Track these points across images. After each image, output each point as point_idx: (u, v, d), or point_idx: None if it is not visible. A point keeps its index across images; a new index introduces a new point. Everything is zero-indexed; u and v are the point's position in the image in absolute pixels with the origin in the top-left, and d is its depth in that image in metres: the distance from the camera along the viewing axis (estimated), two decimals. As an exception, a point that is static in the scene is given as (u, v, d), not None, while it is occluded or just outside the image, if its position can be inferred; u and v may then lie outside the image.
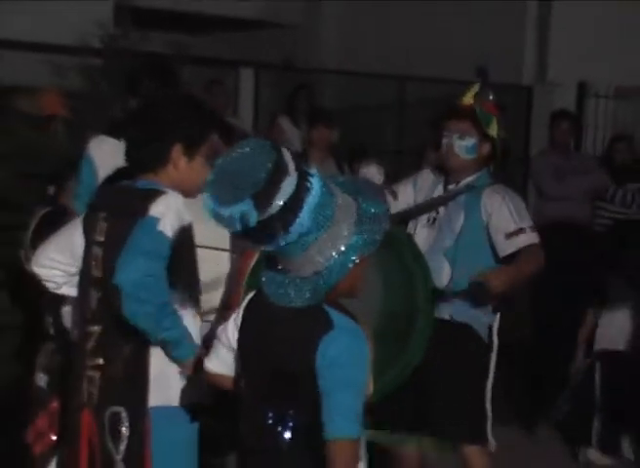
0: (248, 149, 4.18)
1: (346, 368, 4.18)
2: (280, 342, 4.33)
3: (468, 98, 7.42)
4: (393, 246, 6.40)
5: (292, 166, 4.10)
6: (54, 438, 5.69)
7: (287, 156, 4.13)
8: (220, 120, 5.92)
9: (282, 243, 4.14)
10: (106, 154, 6.64)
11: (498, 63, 17.14)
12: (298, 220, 4.09)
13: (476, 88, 7.46)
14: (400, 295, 6.31)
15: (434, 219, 7.33)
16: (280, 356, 4.32)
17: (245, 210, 4.03)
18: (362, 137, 13.06)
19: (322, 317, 4.24)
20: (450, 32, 18.32)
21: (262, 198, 4.02)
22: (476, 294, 6.88)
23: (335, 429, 4.15)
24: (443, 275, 7.07)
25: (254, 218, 4.03)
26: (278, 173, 4.05)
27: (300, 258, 4.20)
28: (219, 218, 4.14)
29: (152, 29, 16.97)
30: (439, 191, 7.48)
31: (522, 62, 18.57)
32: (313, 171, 4.21)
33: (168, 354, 5.19)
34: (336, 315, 4.26)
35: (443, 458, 7.85)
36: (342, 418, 4.16)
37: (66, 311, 5.88)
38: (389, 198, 7.30)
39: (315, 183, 4.15)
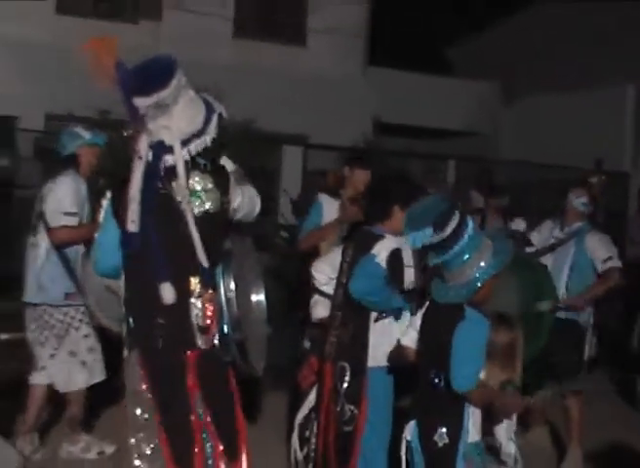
0: (431, 201, 4.38)
1: (467, 347, 4.21)
2: (439, 327, 4.37)
3: (585, 177, 7.68)
4: (534, 269, 6.51)
5: (457, 212, 4.23)
6: (312, 379, 5.72)
7: (455, 206, 4.28)
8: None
9: (447, 256, 4.23)
10: (333, 209, 6.86)
11: (608, 157, 16.95)
12: (457, 243, 4.20)
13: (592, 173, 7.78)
14: (534, 301, 6.25)
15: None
16: (437, 335, 4.35)
17: (427, 233, 4.19)
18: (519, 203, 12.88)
19: (460, 312, 4.26)
20: (576, 137, 18.10)
21: (438, 227, 4.17)
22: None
23: (456, 386, 4.19)
24: (561, 289, 7.07)
25: (431, 238, 4.18)
26: (448, 214, 4.20)
27: (457, 270, 4.25)
28: (410, 238, 4.29)
29: (394, 136, 17.15)
30: (557, 232, 7.53)
31: (622, 156, 18.24)
32: (469, 218, 4.30)
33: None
34: (469, 311, 4.27)
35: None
36: (460, 378, 4.19)
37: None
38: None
39: (469, 225, 4.25)
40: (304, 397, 5.82)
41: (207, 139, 4.29)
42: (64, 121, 15.17)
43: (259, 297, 4.81)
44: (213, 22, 17.51)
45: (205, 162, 4.35)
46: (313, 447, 5.54)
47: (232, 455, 4.29)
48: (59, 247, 6.46)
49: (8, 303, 7.77)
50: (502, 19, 21.98)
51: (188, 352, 4.25)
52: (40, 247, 6.54)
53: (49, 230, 6.45)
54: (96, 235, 4.62)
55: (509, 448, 4.40)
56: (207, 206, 4.26)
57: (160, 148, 4.23)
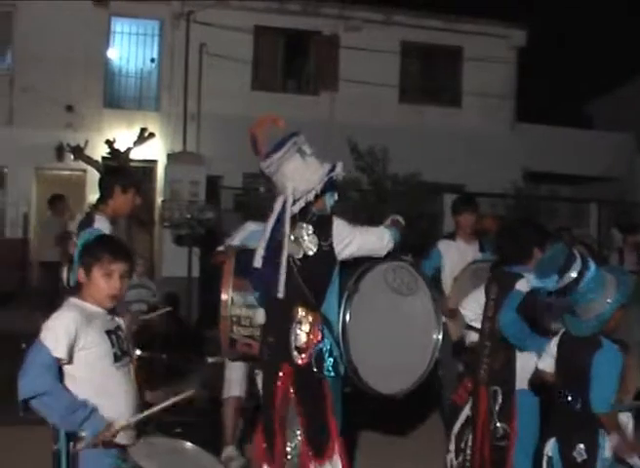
0: (555, 250, 4.29)
1: (604, 372, 4.09)
2: (576, 355, 4.24)
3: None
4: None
5: (578, 257, 4.13)
6: (466, 397, 5.56)
7: (575, 252, 4.18)
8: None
9: (575, 296, 4.13)
10: (452, 249, 6.68)
11: None
12: (580, 284, 4.10)
13: None
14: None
15: None
16: (575, 362, 4.24)
17: (554, 280, 4.12)
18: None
19: (597, 342, 4.15)
20: None
21: (563, 273, 4.10)
22: None
23: (595, 407, 4.07)
24: None
25: (558, 284, 4.12)
26: (570, 261, 4.12)
27: (587, 307, 4.15)
28: (540, 284, 4.23)
29: (541, 183, 16.80)
30: None
31: None
32: (591, 260, 4.19)
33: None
34: (605, 341, 4.16)
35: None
36: (599, 401, 4.07)
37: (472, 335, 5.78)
38: None
39: (592, 267, 4.14)
40: (459, 412, 5.71)
41: (310, 196, 4.63)
42: (259, 179, 15.74)
43: (438, 336, 5.02)
44: (381, 91, 17.71)
45: (317, 212, 4.69)
46: (468, 457, 5.45)
47: (319, 454, 4.55)
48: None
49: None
50: (634, 77, 21.35)
51: (285, 365, 4.60)
52: None
53: None
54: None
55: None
56: (305, 250, 4.59)
57: (284, 204, 4.69)
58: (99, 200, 5.56)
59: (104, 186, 5.58)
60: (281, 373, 4.65)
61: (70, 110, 16.48)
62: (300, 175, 4.62)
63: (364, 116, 16.99)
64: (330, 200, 4.81)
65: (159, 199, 15.69)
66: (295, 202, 4.64)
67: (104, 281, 3.57)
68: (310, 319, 4.56)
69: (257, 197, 12.94)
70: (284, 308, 4.62)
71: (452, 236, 6.92)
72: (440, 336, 5.11)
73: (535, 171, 17.44)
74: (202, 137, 16.93)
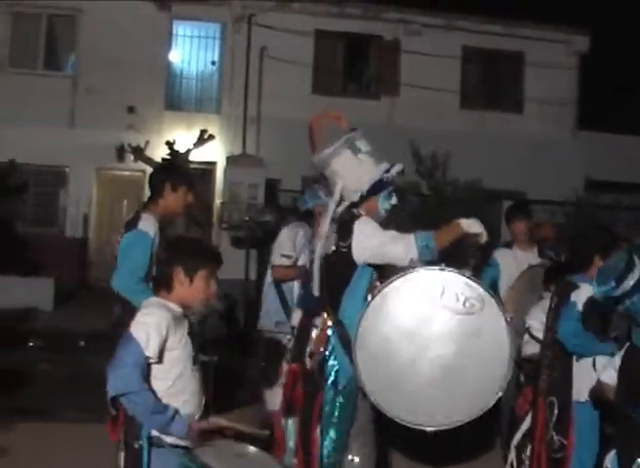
0: (619, 255, 4.13)
1: None
2: (638, 367, 4.11)
3: None
4: None
5: (638, 264, 3.96)
6: (527, 407, 5.43)
7: (636, 259, 3.98)
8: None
9: (630, 306, 3.98)
10: (508, 258, 6.57)
11: None
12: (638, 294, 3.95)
13: None
14: None
15: None
16: (637, 375, 4.09)
17: (611, 286, 3.96)
18: None
19: None
20: None
21: (621, 281, 3.93)
22: None
23: None
24: None
25: (616, 292, 3.95)
26: (629, 267, 3.95)
27: None
28: (596, 291, 4.09)
29: (603, 192, 16.53)
30: None
31: None
32: None
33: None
34: None
35: None
36: None
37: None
38: None
39: None
40: (520, 423, 5.63)
41: (355, 197, 4.34)
42: (318, 182, 15.78)
43: (506, 374, 4.39)
44: (442, 96, 17.65)
45: (358, 214, 4.35)
46: (527, 468, 5.39)
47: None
48: (275, 281, 6.30)
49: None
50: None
51: (298, 365, 4.43)
52: (267, 282, 6.40)
53: (271, 267, 6.37)
54: None
55: None
56: (326, 249, 4.32)
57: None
58: (149, 199, 5.30)
59: (154, 184, 5.27)
60: (294, 374, 4.49)
61: (132, 112, 16.75)
62: (349, 173, 4.29)
63: (425, 121, 16.94)
64: (384, 203, 4.45)
65: (218, 201, 15.85)
66: (340, 202, 4.37)
67: (205, 284, 3.59)
68: (324, 322, 4.32)
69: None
70: (308, 309, 4.48)
71: (509, 245, 6.84)
72: (509, 374, 4.35)
73: (596, 179, 17.20)
74: (261, 140, 17.05)
